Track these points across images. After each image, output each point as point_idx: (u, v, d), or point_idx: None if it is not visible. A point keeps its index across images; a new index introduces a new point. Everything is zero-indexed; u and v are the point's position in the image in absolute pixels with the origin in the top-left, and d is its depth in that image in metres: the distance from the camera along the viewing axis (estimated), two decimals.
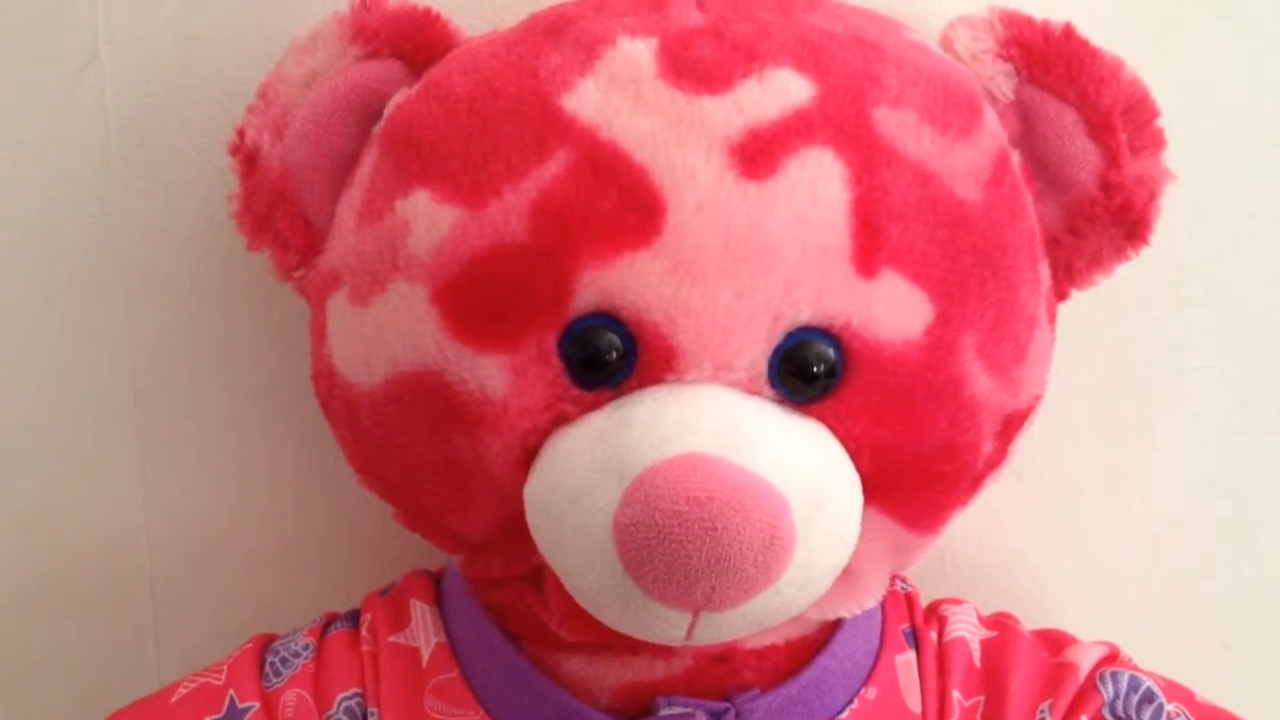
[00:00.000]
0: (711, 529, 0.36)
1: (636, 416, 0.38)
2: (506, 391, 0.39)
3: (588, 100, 0.39)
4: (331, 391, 0.44)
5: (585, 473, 0.38)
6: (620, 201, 0.38)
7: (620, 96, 0.39)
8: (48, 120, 0.52)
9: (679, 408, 0.38)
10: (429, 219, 0.40)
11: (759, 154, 0.38)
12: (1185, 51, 0.53)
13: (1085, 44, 0.44)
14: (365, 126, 0.44)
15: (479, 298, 0.39)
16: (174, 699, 0.46)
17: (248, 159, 0.44)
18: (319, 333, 0.44)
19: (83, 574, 0.56)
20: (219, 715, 0.45)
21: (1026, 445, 0.45)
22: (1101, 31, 0.44)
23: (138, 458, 0.55)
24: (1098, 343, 0.54)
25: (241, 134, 0.44)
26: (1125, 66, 0.44)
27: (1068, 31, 0.44)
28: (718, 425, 0.38)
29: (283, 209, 0.44)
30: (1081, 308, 0.47)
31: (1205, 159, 0.52)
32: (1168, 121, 0.44)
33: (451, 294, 0.40)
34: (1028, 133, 0.44)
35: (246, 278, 0.52)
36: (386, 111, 0.44)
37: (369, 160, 0.43)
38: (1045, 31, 0.44)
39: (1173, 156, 0.44)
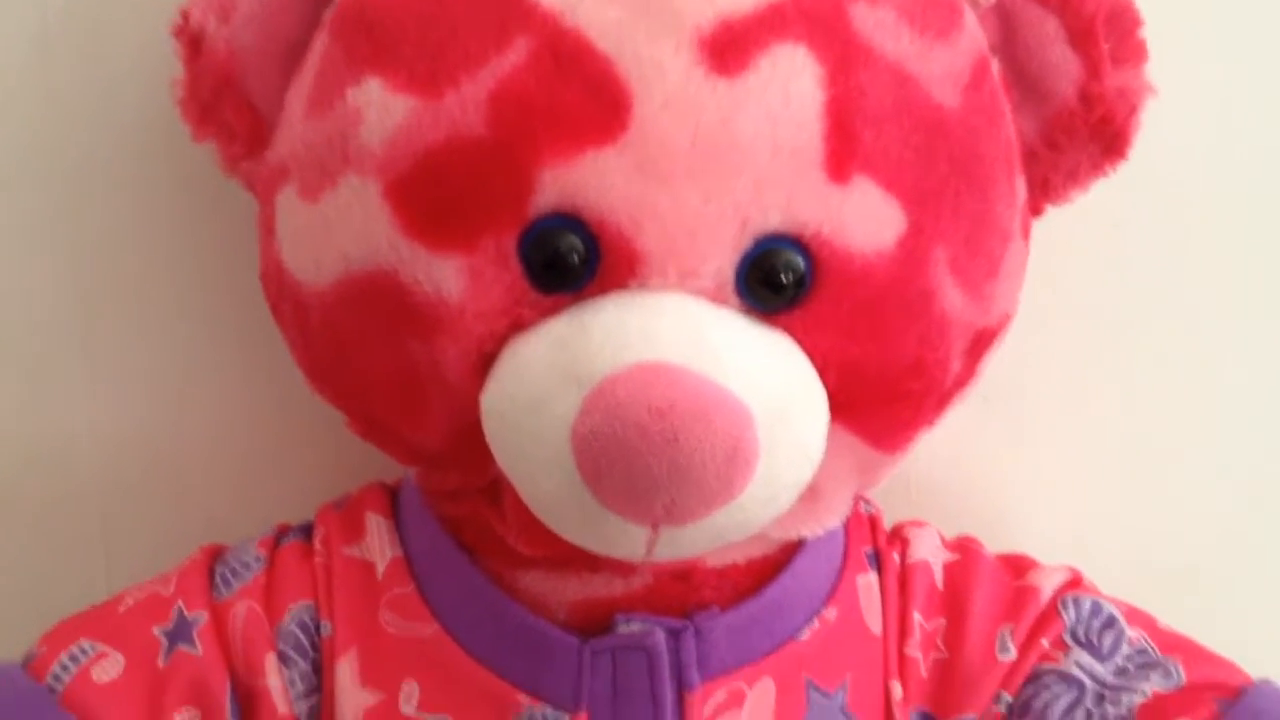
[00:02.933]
0: (673, 440, 0.35)
1: (597, 323, 0.37)
2: (462, 294, 0.38)
3: None
4: (281, 292, 0.43)
5: (543, 380, 0.37)
6: (583, 94, 0.37)
7: None
8: None
9: (642, 315, 0.37)
10: (381, 108, 0.38)
11: (730, 48, 0.37)
12: None
13: None
14: (317, 10, 0.42)
15: (434, 194, 0.38)
16: (121, 609, 0.46)
17: (192, 42, 0.42)
18: (267, 229, 0.43)
19: (28, 482, 0.55)
20: (166, 626, 0.45)
21: (994, 369, 0.45)
22: None
23: (83, 362, 0.54)
24: (1068, 265, 0.54)
25: (186, 15, 0.43)
26: None
27: None
28: (681, 334, 0.37)
29: (229, 96, 0.43)
30: (1053, 228, 0.46)
31: (1184, 79, 0.50)
32: (1152, 35, 0.43)
33: (405, 189, 0.38)
34: (1008, 40, 0.43)
35: (195, 171, 0.50)
36: None
37: (319, 45, 0.41)
38: None
39: (1151, 72, 0.43)
